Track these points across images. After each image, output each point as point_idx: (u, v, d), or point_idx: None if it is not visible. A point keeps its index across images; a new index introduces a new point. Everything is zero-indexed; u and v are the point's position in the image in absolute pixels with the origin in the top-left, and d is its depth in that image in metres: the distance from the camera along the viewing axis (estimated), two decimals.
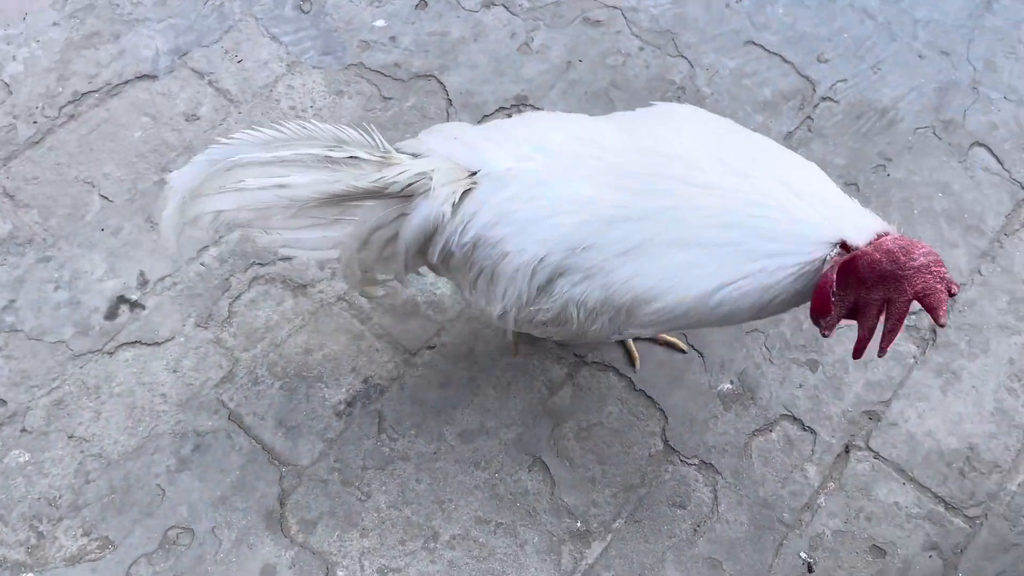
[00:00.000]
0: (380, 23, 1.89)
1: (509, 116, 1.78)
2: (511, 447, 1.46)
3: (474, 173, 1.15)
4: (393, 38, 1.87)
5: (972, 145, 1.76)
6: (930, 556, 1.37)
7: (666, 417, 1.49)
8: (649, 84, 1.83)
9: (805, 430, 1.47)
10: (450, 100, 1.80)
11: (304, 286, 1.58)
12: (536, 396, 1.50)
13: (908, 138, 1.77)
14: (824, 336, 1.09)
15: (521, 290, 1.16)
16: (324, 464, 1.43)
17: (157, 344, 1.51)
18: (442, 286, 1.59)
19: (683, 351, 1.53)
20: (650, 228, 1.09)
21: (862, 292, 1.06)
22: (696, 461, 1.45)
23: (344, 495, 1.41)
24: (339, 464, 1.43)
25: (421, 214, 1.15)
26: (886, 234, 1.05)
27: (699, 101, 1.80)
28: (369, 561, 1.36)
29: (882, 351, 1.08)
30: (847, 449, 1.46)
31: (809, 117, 1.80)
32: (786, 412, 1.49)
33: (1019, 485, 1.43)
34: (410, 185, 1.15)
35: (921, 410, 1.49)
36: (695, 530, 1.40)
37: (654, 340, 1.54)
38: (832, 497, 1.42)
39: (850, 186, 1.70)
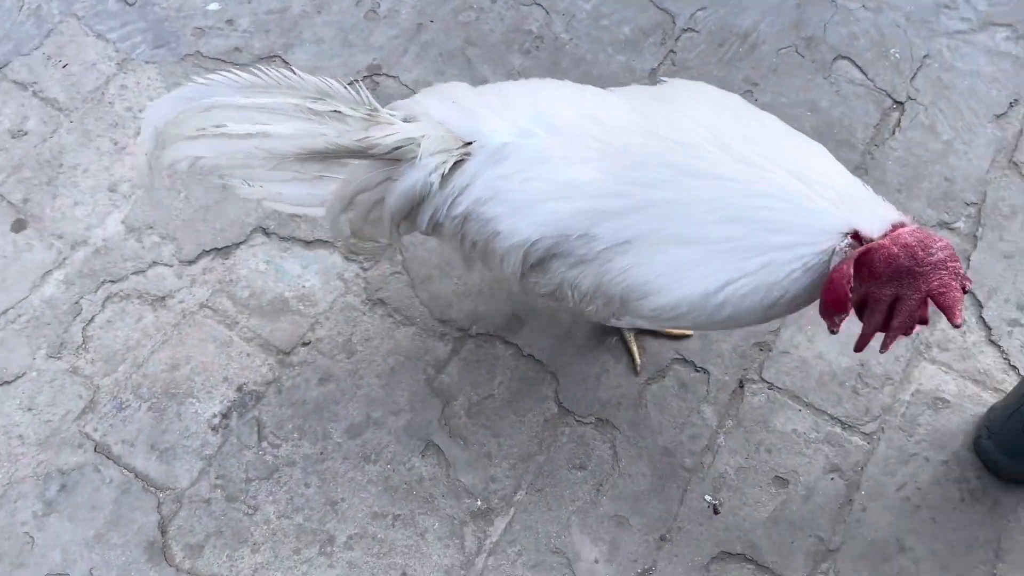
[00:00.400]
0: (214, 6, 1.77)
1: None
2: (401, 435, 1.40)
3: (469, 143, 1.08)
4: (230, 21, 1.75)
5: (835, 59, 1.73)
6: (832, 478, 1.37)
7: (557, 379, 1.44)
8: (506, 37, 1.76)
9: (698, 371, 1.45)
10: None
11: (163, 298, 1.48)
12: (422, 378, 1.44)
13: (772, 60, 1.74)
14: (832, 333, 1.00)
15: (514, 267, 1.11)
16: (205, 483, 1.35)
17: (6, 383, 1.40)
18: (311, 279, 1.51)
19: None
20: (646, 222, 1.03)
21: (873, 287, 0.98)
22: (592, 419, 1.41)
23: (230, 512, 1.33)
24: (221, 480, 1.35)
25: (407, 182, 1.09)
26: (902, 224, 0.97)
27: (558, 48, 1.74)
28: None
29: (884, 348, 1.02)
30: (741, 384, 1.44)
31: (672, 51, 1.75)
32: (677, 356, 1.46)
33: (912, 395, 1.43)
34: (397, 149, 1.08)
35: (810, 334, 1.47)
36: (598, 490, 1.36)
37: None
38: (731, 435, 1.40)
39: None
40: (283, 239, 1.54)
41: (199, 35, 1.74)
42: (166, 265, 1.51)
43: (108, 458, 1.36)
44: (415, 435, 1.40)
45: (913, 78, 1.71)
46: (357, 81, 1.09)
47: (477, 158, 1.08)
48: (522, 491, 1.36)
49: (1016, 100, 1.68)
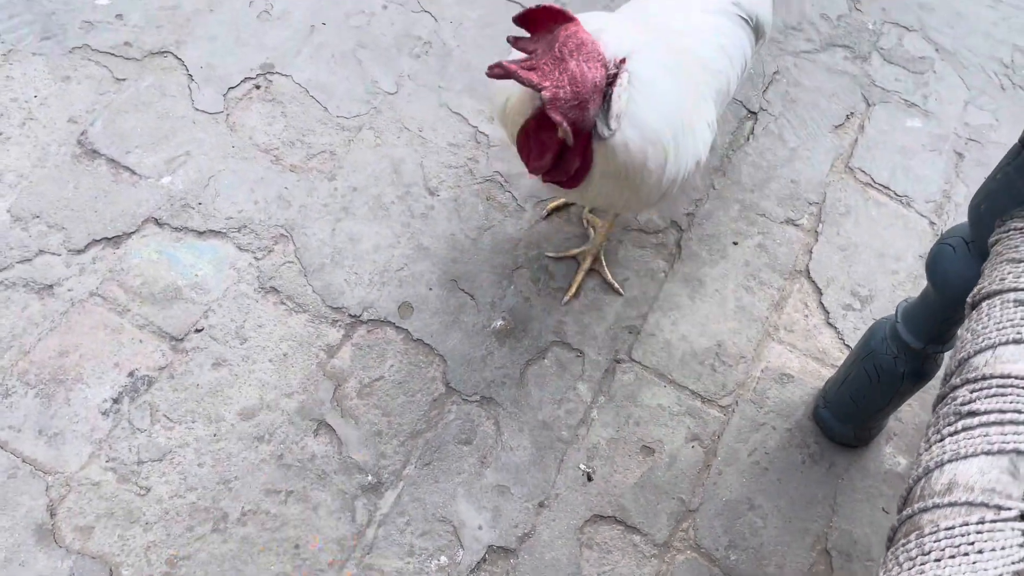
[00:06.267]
0: (103, 1, 1.78)
1: (257, 87, 1.75)
2: (294, 416, 1.46)
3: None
4: (120, 16, 1.77)
5: None
6: (692, 447, 1.51)
7: (445, 361, 1.54)
8: (396, 41, 1.85)
9: (574, 352, 1.57)
10: (191, 75, 1.73)
11: (50, 286, 1.49)
12: (315, 362, 1.50)
13: None
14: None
15: None
16: (95, 466, 1.37)
17: None
18: (203, 267, 1.55)
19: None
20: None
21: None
22: (477, 397, 1.51)
23: (121, 493, 1.35)
24: (112, 463, 1.37)
25: None
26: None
27: (446, 54, 1.84)
28: (156, 554, 1.32)
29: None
30: (613, 363, 1.57)
31: None
32: (556, 338, 1.58)
33: (762, 371, 1.60)
34: None
35: (674, 318, 1.63)
36: (482, 462, 1.46)
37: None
38: (603, 409, 1.53)
39: None
40: (176, 229, 1.58)
41: (87, 28, 1.75)
42: (54, 254, 1.52)
43: None
44: (308, 416, 1.46)
45: (765, 91, 1.90)
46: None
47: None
48: (411, 466, 1.44)
49: (852, 113, 1.90)
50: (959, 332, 0.91)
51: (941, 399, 0.89)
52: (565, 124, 1.06)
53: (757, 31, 1.48)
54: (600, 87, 1.08)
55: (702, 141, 1.31)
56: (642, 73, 1.14)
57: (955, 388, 0.87)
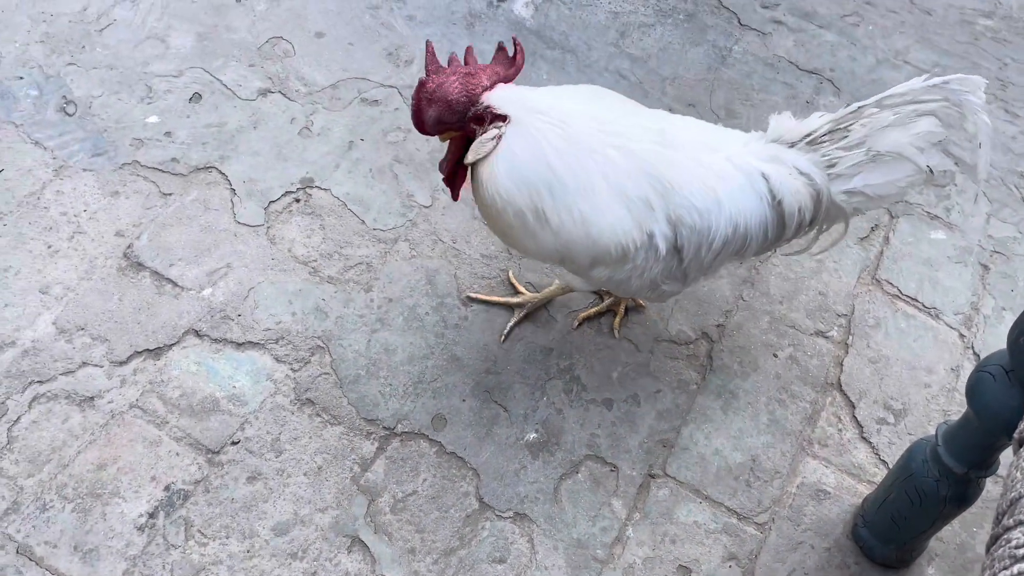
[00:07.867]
0: (153, 119, 1.86)
1: (297, 200, 1.81)
2: (328, 532, 1.45)
3: None
4: (168, 133, 1.85)
5: None
6: (729, 566, 1.49)
7: (479, 475, 1.53)
8: (431, 156, 1.91)
9: (608, 466, 1.56)
10: (233, 190, 1.79)
11: (91, 398, 1.51)
12: (348, 475, 1.50)
13: None
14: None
15: None
16: None
17: None
18: (241, 379, 1.57)
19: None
20: None
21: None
22: (511, 514, 1.50)
23: None
24: None
25: None
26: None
27: None
28: None
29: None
30: (648, 478, 1.56)
31: None
32: (589, 451, 1.58)
33: (798, 487, 1.58)
34: None
35: (707, 431, 1.62)
36: None
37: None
38: (638, 527, 1.51)
39: None
40: (215, 341, 1.61)
41: (137, 145, 1.82)
42: (96, 366, 1.55)
43: (30, 559, 1.35)
44: (341, 532, 1.45)
45: None
46: None
47: None
48: None
49: (876, 225, 1.94)
50: (1008, 470, 0.91)
51: (995, 540, 0.88)
52: (414, 102, 1.27)
53: (781, 219, 1.39)
54: (449, 103, 1.25)
55: (613, 245, 1.33)
56: (513, 145, 1.28)
57: (1008, 529, 0.86)
